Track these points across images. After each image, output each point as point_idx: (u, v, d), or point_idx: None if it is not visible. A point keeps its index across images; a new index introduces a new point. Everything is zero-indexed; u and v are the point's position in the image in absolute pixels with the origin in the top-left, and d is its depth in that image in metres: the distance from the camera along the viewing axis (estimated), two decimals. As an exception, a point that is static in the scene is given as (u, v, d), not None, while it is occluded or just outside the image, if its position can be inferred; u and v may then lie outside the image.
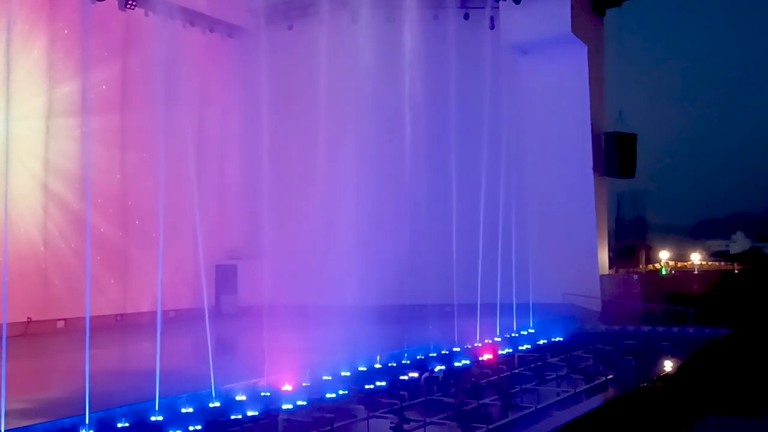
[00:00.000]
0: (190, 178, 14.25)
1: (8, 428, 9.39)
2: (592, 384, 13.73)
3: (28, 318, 20.77)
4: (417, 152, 21.44)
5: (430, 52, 22.37)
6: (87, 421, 10.06)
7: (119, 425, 10.41)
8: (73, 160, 21.38)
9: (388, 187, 22.55)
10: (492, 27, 26.43)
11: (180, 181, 13.65)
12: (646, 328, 21.96)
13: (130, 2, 24.97)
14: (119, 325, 22.56)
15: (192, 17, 26.96)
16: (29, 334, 20.58)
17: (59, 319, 21.56)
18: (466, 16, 27.04)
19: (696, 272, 37.74)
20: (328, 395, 12.58)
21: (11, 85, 13.88)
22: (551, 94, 26.74)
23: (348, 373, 14.43)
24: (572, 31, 25.85)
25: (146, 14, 23.98)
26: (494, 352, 17.71)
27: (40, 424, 9.99)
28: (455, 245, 20.36)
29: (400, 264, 21.03)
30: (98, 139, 21.23)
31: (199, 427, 10.44)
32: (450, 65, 22.06)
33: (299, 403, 11.92)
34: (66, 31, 21.96)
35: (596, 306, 26.28)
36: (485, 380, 14.06)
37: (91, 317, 10.74)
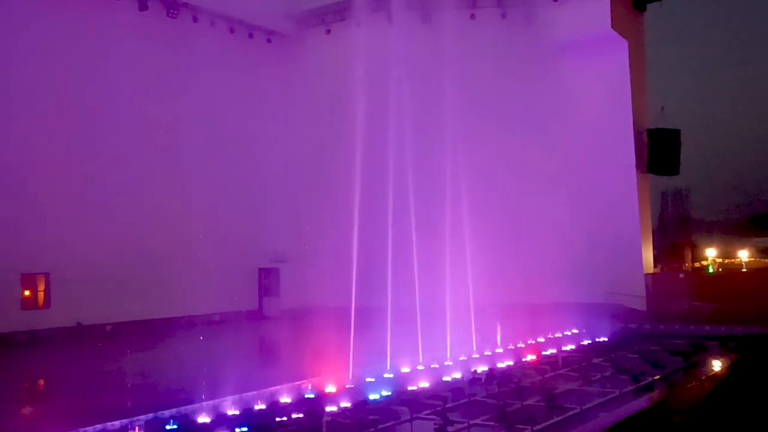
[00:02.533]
0: (234, 182, 14.49)
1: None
2: (638, 385, 13.53)
3: (77, 322, 21.27)
4: (456, 154, 21.40)
5: (467, 51, 22.30)
6: (137, 425, 10.27)
7: (168, 427, 10.60)
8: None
9: (428, 188, 22.52)
10: (530, 25, 26.25)
11: (223, 185, 13.89)
12: (692, 327, 21.57)
13: (172, 11, 25.45)
14: (165, 328, 22.95)
15: (232, 24, 27.35)
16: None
17: (107, 324, 22.07)
18: (504, 15, 26.90)
19: (744, 270, 36.87)
20: (371, 397, 12.63)
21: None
22: (591, 91, 26.45)
23: (391, 375, 14.49)
24: (612, 27, 25.54)
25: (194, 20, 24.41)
26: (538, 353, 17.59)
27: (91, 426, 10.25)
28: (498, 246, 20.26)
29: (442, 265, 21.00)
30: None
31: (245, 429, 10.57)
32: (488, 64, 21.99)
33: (343, 404, 11.99)
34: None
35: (641, 305, 25.91)
36: (529, 381, 13.97)
37: (135, 321, 10.99)
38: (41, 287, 22.72)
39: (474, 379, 14.30)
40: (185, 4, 25.05)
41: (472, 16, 25.98)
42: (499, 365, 16.09)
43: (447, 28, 22.72)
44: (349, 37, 27.70)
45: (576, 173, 25.72)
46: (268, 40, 30.34)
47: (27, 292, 22.78)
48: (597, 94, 26.30)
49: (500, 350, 17.75)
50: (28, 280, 22.68)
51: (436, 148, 21.84)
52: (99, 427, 10.33)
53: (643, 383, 13.64)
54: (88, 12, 22.18)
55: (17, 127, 20.93)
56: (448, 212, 21.83)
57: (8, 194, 20.92)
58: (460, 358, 16.51)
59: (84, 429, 10.18)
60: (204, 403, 11.23)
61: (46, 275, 22.51)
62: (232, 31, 27.44)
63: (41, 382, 14.59)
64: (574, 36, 26.32)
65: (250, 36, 29.34)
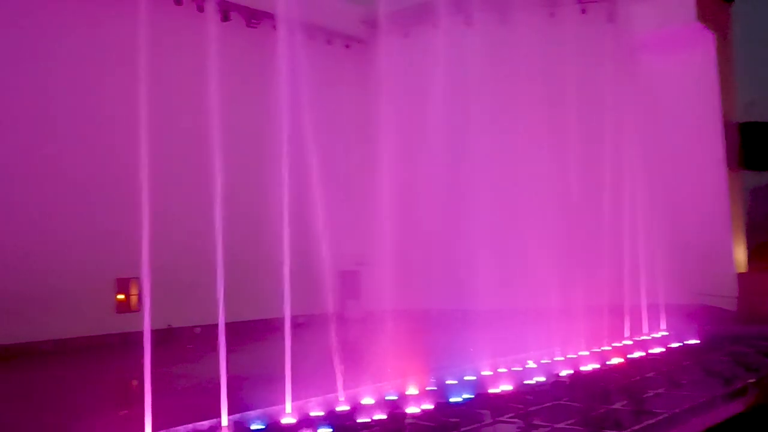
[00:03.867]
0: (313, 185, 14.76)
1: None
2: (730, 388, 13.04)
3: (168, 324, 22.08)
4: (540, 153, 21.15)
5: (547, 51, 22.02)
6: (224, 424, 10.60)
7: (253, 427, 10.90)
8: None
9: (508, 188, 22.36)
10: (612, 20, 25.66)
11: (304, 189, 14.18)
12: (788, 329, 20.62)
13: (252, 21, 26.14)
14: (251, 330, 23.53)
15: (311, 31, 27.81)
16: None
17: (196, 326, 22.84)
18: (584, 11, 26.40)
19: None
20: (453, 399, 12.63)
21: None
22: (678, 86, 25.65)
23: (473, 377, 14.44)
24: (698, 20, 24.72)
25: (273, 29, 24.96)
26: (624, 356, 17.17)
27: (182, 426, 10.65)
28: (580, 245, 19.89)
29: (524, 266, 20.79)
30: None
31: (329, 431, 10.75)
32: (569, 63, 21.63)
33: (425, 407, 12.03)
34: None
35: (732, 306, 24.93)
36: (615, 385, 13.67)
37: (218, 323, 11.35)
38: (134, 291, 23.77)
39: (557, 382, 14.10)
40: (265, 14, 25.69)
41: (552, 14, 25.59)
42: (584, 368, 15.80)
43: (526, 28, 22.49)
44: (426, 40, 27.79)
45: (662, 171, 24.97)
46: (347, 46, 30.74)
47: (121, 296, 23.86)
48: (682, 89, 25.49)
49: (585, 353, 17.42)
50: (122, 285, 23.77)
51: (518, 148, 21.67)
52: (189, 426, 10.72)
53: (735, 387, 13.14)
54: (171, 25, 23.05)
55: (114, 139, 21.97)
56: (531, 212, 21.61)
57: (106, 202, 21.98)
58: (543, 361, 16.29)
59: (175, 428, 10.58)
60: (289, 404, 11.48)
61: (138, 279, 23.50)
62: (310, 38, 27.92)
63: (134, 382, 15.23)
64: (658, 30, 25.59)
65: (329, 42, 29.80)
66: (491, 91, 22.92)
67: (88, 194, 22.86)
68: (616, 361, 16.70)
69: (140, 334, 10.67)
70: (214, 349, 11.27)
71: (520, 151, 21.51)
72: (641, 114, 22.80)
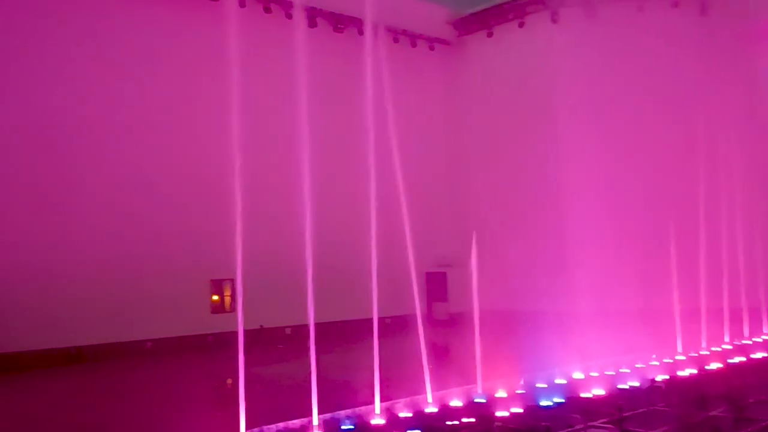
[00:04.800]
0: (401, 187, 14.86)
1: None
2: (839, 396, 12.37)
3: (260, 325, 22.64)
4: (633, 151, 20.58)
5: (637, 46, 21.42)
6: (315, 423, 10.80)
7: (343, 428, 11.05)
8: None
9: (601, 189, 21.84)
10: (704, 13, 24.62)
11: (391, 191, 14.29)
12: None
13: (338, 25, 26.53)
14: (340, 331, 23.86)
15: (396, 34, 27.98)
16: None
17: (287, 327, 23.35)
18: (675, 5, 25.46)
19: None
20: (543, 403, 12.45)
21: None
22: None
23: (563, 381, 14.20)
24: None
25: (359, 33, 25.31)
26: (723, 361, 16.50)
27: (274, 425, 10.92)
28: (678, 245, 19.25)
29: (620, 266, 20.29)
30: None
31: (417, 432, 10.80)
32: (660, 58, 20.96)
33: (514, 410, 11.91)
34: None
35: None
36: (713, 390, 13.14)
37: (308, 324, 11.58)
38: (227, 292, 24.52)
39: (653, 387, 13.70)
40: (351, 18, 26.00)
41: (640, 8, 24.80)
42: (680, 373, 15.28)
43: (614, 22, 21.92)
44: (511, 39, 27.49)
45: (763, 169, 23.83)
46: (431, 48, 30.76)
47: (215, 297, 24.66)
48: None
49: (681, 357, 16.85)
50: (217, 286, 24.56)
51: (610, 147, 21.15)
52: (281, 425, 10.98)
53: None
54: (260, 32, 23.68)
55: (208, 144, 22.73)
56: (626, 212, 21.06)
57: (201, 205, 22.78)
58: (637, 365, 15.85)
59: (268, 427, 10.86)
60: (378, 405, 11.58)
61: (232, 281, 24.20)
62: (395, 41, 28.07)
63: (229, 381, 15.71)
64: (760, 15, 24.31)
65: (413, 45, 29.90)
66: (579, 89, 22.44)
67: (184, 198, 23.72)
68: (715, 366, 16.07)
69: (234, 334, 11.02)
70: (305, 349, 11.50)
71: (612, 150, 20.98)
72: (741, 110, 21.84)
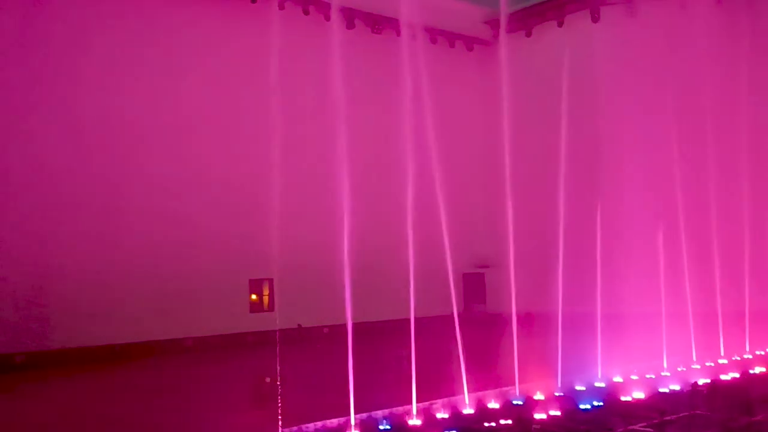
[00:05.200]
0: (438, 188, 14.84)
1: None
2: None
3: (298, 324, 22.84)
4: (677, 153, 20.20)
5: (679, 43, 21.02)
6: (352, 423, 10.85)
7: (381, 428, 11.08)
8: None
9: (648, 191, 21.49)
10: (752, 6, 23.91)
11: (429, 192, 14.29)
12: None
13: (376, 27, 26.61)
14: (377, 331, 23.90)
15: (434, 35, 27.94)
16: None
17: (324, 326, 23.48)
18: (719, 1, 24.89)
19: None
20: (582, 406, 12.33)
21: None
22: None
23: (602, 384, 14.05)
24: None
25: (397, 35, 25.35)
26: (767, 365, 16.16)
27: (312, 423, 11.00)
28: (723, 248, 18.88)
29: (662, 268, 19.95)
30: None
31: (455, 434, 10.77)
32: (705, 56, 20.50)
33: (552, 413, 11.82)
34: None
35: None
36: (758, 395, 12.87)
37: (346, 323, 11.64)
38: (266, 292, 24.78)
39: (695, 391, 13.47)
40: (389, 20, 26.06)
41: (683, 5, 24.33)
42: (723, 377, 15.00)
43: (656, 21, 21.56)
44: (550, 38, 27.25)
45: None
46: (469, 49, 30.67)
47: (254, 296, 24.94)
48: None
49: (724, 361, 16.53)
50: (255, 285, 24.84)
51: (653, 149, 20.81)
52: (319, 424, 11.05)
53: None
54: (300, 34, 23.86)
55: (249, 146, 23.05)
56: (670, 214, 20.72)
57: (241, 208, 23.07)
58: (679, 369, 15.60)
59: (305, 425, 10.95)
60: (415, 405, 11.59)
61: (270, 281, 24.46)
62: (433, 41, 28.03)
63: (267, 379, 15.86)
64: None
65: (452, 45, 29.85)
66: (621, 90, 22.14)
67: (224, 200, 24.05)
68: (759, 370, 15.74)
69: (272, 333, 11.14)
70: (342, 348, 11.56)
71: (657, 152, 20.63)
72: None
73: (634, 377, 14.68)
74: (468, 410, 12.14)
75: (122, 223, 22.06)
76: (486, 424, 11.33)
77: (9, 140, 20.59)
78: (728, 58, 21.00)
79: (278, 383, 10.41)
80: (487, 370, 14.02)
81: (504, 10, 26.14)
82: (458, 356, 12.64)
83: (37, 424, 13.15)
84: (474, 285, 28.24)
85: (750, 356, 17.09)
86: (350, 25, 25.43)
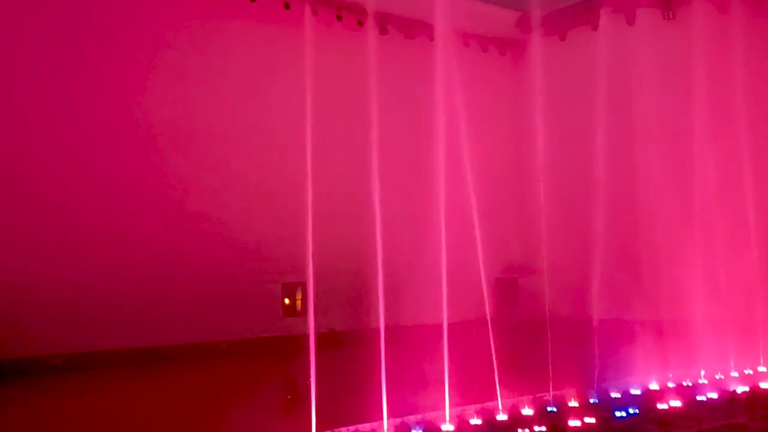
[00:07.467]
0: (471, 194, 14.81)
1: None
2: None
3: (330, 328, 22.90)
4: (719, 158, 19.91)
5: (717, 48, 20.70)
6: (385, 427, 10.87)
7: (414, 432, 11.10)
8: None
9: (685, 197, 21.21)
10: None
11: (461, 197, 14.26)
12: None
13: (409, 32, 26.66)
14: (410, 335, 23.86)
15: (466, 39, 27.88)
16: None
17: (356, 330, 23.54)
18: (759, 4, 24.46)
19: None
20: (617, 413, 12.20)
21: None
22: None
23: (638, 391, 13.88)
24: None
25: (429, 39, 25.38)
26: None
27: (344, 427, 11.04)
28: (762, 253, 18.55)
29: (698, 274, 19.66)
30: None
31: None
32: (743, 60, 20.18)
33: (587, 420, 11.71)
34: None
35: None
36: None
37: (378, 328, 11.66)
38: (299, 296, 24.92)
39: (733, 400, 13.25)
40: (422, 24, 26.06)
41: (722, 9, 23.96)
42: (762, 385, 14.72)
43: (693, 25, 21.26)
44: (584, 42, 27.03)
45: None
46: (502, 53, 30.54)
47: (287, 300, 25.09)
48: None
49: (763, 369, 16.23)
50: (288, 289, 25.00)
51: (690, 153, 20.53)
52: (352, 428, 11.09)
53: None
54: (333, 40, 24.03)
55: (282, 151, 23.22)
56: (707, 219, 20.41)
57: (274, 212, 23.26)
58: (717, 377, 15.35)
59: (338, 429, 10.99)
60: (447, 411, 11.57)
61: (303, 284, 24.56)
62: (466, 45, 27.96)
63: (300, 383, 15.94)
64: None
65: (484, 50, 29.76)
66: (658, 94, 21.88)
67: (258, 204, 24.26)
68: (800, 379, 15.44)
69: (305, 337, 11.21)
70: (375, 353, 11.59)
71: (693, 157, 20.35)
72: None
73: (670, 385, 14.49)
74: (501, 416, 12.09)
75: (158, 227, 22.36)
76: (519, 431, 11.27)
77: (75, 150, 21.13)
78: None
79: (310, 386, 10.45)
80: (522, 376, 13.94)
81: (536, 13, 26.12)
82: (492, 362, 12.60)
83: (79, 425, 13.40)
84: (507, 290, 28.07)
85: (790, 365, 16.75)
86: (383, 31, 25.50)
